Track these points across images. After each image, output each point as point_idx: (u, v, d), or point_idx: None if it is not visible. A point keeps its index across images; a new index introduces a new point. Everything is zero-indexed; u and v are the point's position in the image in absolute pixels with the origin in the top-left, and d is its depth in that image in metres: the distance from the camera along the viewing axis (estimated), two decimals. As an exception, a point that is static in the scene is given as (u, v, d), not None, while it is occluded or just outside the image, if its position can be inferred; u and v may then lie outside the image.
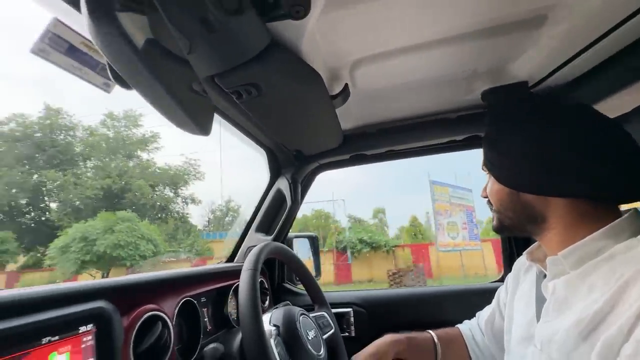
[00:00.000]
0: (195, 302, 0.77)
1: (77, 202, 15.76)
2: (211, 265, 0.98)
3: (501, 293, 0.83)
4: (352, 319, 1.09)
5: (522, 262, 0.77)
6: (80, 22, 0.46)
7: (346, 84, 0.79)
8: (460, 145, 1.06)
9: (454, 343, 0.83)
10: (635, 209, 0.52)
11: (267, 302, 1.06)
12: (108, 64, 0.46)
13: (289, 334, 0.64)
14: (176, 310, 0.66)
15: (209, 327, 0.83)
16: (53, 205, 16.28)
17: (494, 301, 0.85)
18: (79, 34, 0.50)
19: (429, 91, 0.88)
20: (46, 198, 16.30)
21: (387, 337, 0.79)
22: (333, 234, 16.94)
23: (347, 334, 1.08)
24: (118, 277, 0.62)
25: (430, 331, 0.82)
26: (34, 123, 16.65)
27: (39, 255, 15.10)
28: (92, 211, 14.66)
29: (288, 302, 0.98)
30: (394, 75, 0.79)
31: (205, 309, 0.85)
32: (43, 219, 16.02)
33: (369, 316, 1.10)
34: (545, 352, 0.52)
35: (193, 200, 19.65)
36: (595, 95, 0.79)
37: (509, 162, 0.57)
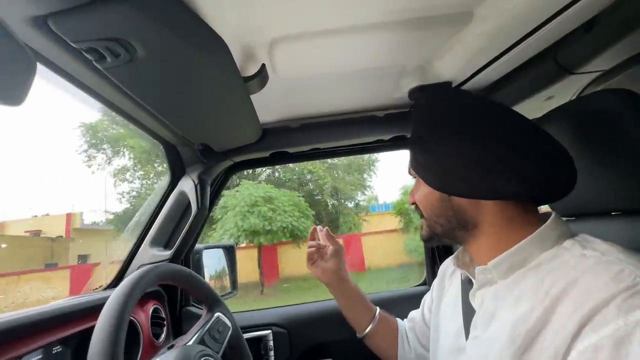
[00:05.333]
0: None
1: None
2: (78, 298, 0.72)
3: (427, 300, 0.82)
4: (271, 343, 0.95)
5: (447, 265, 0.75)
6: None
7: (263, 65, 0.65)
8: (388, 146, 1.02)
9: (389, 327, 0.85)
10: (555, 214, 0.52)
11: (162, 337, 0.83)
12: None
13: None
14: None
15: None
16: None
17: (419, 310, 0.83)
18: None
19: (357, 85, 0.80)
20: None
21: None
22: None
23: None
24: None
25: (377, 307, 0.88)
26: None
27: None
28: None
29: None
30: (318, 62, 0.69)
31: (61, 363, 0.60)
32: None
33: (291, 337, 0.97)
34: None
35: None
36: (509, 100, 0.82)
37: (441, 164, 0.52)
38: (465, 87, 0.82)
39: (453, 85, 0.82)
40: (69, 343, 0.63)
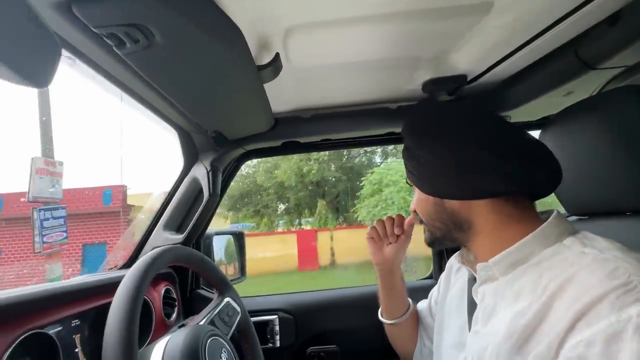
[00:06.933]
0: (55, 332, 0.55)
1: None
2: (95, 276, 0.75)
3: (434, 293, 0.82)
4: (276, 327, 0.97)
5: (454, 260, 0.75)
6: None
7: (277, 54, 0.65)
8: (399, 138, 1.01)
9: (415, 323, 0.83)
10: (557, 211, 0.52)
11: (173, 317, 0.87)
12: None
13: None
14: (5, 357, 0.45)
15: (84, 361, 0.62)
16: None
17: (427, 302, 0.83)
18: None
19: (370, 76, 0.79)
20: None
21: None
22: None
23: (270, 345, 0.96)
24: None
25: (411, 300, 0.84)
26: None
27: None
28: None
29: None
30: (332, 52, 0.68)
31: (79, 335, 0.64)
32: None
33: (297, 323, 1.00)
34: None
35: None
36: (526, 95, 0.80)
37: (428, 170, 0.56)
38: (481, 80, 0.80)
39: (468, 79, 0.80)
40: (86, 317, 0.66)
